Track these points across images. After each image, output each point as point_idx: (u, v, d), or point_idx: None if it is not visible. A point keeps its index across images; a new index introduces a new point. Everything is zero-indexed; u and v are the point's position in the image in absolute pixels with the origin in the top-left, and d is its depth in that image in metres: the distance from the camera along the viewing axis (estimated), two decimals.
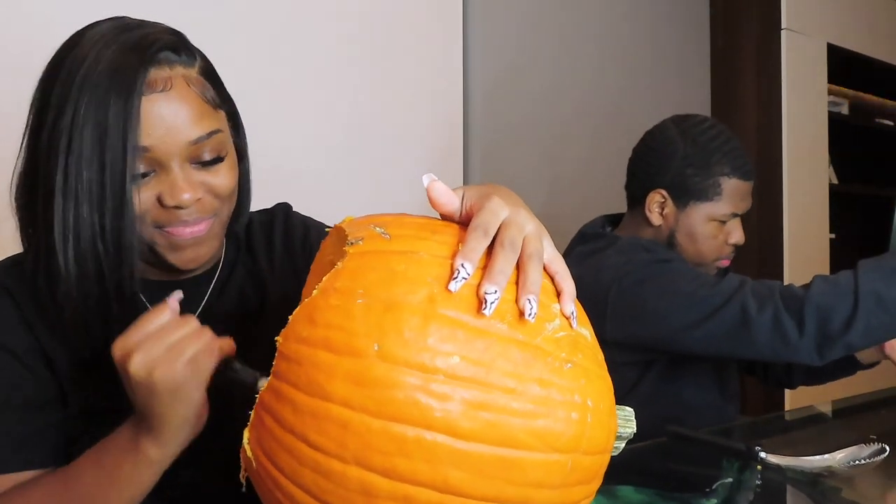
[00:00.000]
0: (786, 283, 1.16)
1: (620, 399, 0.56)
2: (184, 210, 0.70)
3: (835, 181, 3.28)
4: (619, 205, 1.48)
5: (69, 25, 0.72)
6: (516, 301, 0.50)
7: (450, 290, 0.48)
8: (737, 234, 1.36)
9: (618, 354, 1.23)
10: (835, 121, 3.16)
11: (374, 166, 2.02)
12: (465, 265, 0.49)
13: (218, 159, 0.72)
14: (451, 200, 0.56)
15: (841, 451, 0.91)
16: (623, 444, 0.57)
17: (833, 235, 3.12)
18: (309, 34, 1.90)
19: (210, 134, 0.70)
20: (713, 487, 0.88)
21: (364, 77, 1.99)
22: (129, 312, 0.67)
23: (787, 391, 2.73)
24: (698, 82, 3.03)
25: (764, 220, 2.89)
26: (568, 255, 1.39)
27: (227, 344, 0.66)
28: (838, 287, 1.09)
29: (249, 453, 0.51)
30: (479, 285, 0.49)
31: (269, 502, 0.53)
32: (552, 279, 0.55)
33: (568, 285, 0.54)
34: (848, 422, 1.37)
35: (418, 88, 2.10)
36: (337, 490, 0.47)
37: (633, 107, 2.68)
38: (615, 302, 1.24)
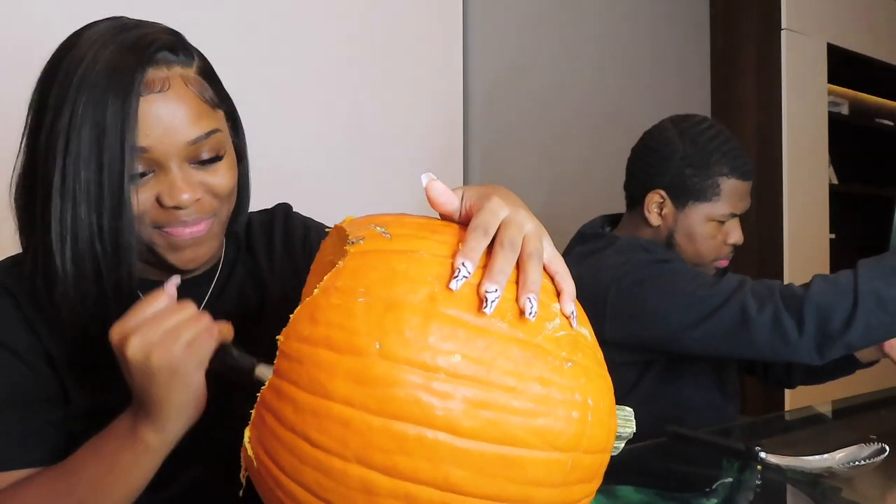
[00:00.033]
0: (786, 282, 1.16)
1: (620, 399, 0.56)
2: (183, 210, 0.70)
3: (835, 181, 3.28)
4: (620, 205, 1.48)
5: (69, 25, 0.72)
6: (517, 300, 0.50)
7: (450, 289, 0.48)
8: (735, 235, 1.36)
9: (617, 354, 1.23)
10: (835, 121, 3.17)
11: (374, 166, 2.02)
12: (465, 264, 0.49)
13: (216, 158, 0.72)
14: (450, 200, 0.56)
15: (841, 451, 0.91)
16: (623, 444, 0.57)
17: (833, 235, 3.12)
18: (309, 34, 1.90)
19: (208, 134, 0.70)
20: (713, 487, 0.88)
21: (364, 77, 1.99)
22: None
23: (787, 391, 2.73)
24: (698, 82, 3.03)
25: (764, 220, 2.89)
26: (567, 256, 1.39)
27: (226, 328, 0.66)
28: (838, 286, 1.09)
29: (250, 452, 0.51)
30: (479, 284, 0.49)
31: (269, 501, 0.53)
32: (552, 279, 0.55)
33: (568, 285, 0.54)
34: (848, 422, 1.37)
35: (418, 88, 2.10)
36: (338, 488, 0.47)
37: (633, 107, 2.68)
38: (614, 302, 1.24)
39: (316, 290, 0.50)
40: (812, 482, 0.89)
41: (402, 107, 2.07)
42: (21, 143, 0.71)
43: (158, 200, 0.70)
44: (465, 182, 2.23)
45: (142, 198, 0.69)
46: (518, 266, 0.52)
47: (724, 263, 1.39)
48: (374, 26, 2.01)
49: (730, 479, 0.92)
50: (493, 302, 0.48)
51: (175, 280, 0.68)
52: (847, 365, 1.32)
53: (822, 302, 1.08)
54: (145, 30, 0.70)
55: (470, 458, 0.47)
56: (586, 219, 1.49)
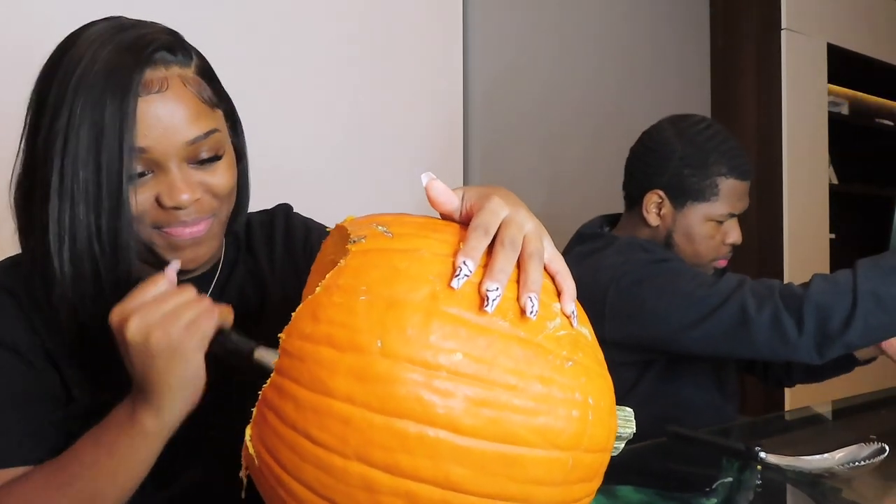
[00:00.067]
0: (785, 282, 1.16)
1: (619, 399, 0.57)
2: (182, 210, 0.70)
3: (835, 181, 3.28)
4: (620, 205, 1.48)
5: (69, 25, 0.72)
6: (517, 299, 0.50)
7: (452, 288, 0.49)
8: (734, 234, 1.36)
9: (616, 354, 1.23)
10: (835, 121, 3.17)
11: (374, 166, 2.02)
12: (466, 262, 0.49)
13: (216, 158, 0.72)
14: (450, 199, 0.56)
15: (841, 450, 0.91)
16: (623, 445, 0.57)
17: (833, 235, 3.12)
18: (309, 34, 1.90)
19: (207, 133, 0.70)
20: (713, 487, 0.88)
21: (364, 77, 1.99)
22: None
23: (787, 391, 2.73)
24: (698, 82, 3.03)
25: (764, 220, 2.90)
26: (566, 256, 1.39)
27: (227, 311, 0.66)
28: (837, 286, 1.09)
29: (251, 450, 0.52)
30: (480, 283, 0.49)
31: (270, 499, 0.53)
32: (553, 279, 0.55)
33: (568, 285, 0.55)
34: (848, 422, 1.37)
35: (418, 88, 2.10)
36: (338, 486, 0.47)
37: (633, 107, 2.68)
38: (613, 302, 1.24)
39: (318, 288, 0.50)
40: (812, 482, 0.89)
41: (402, 107, 2.07)
42: (20, 143, 0.71)
43: (158, 201, 0.70)
44: (465, 182, 2.23)
45: (141, 198, 0.69)
46: (519, 265, 0.52)
47: (722, 263, 1.39)
48: (374, 26, 2.01)
49: (730, 479, 0.92)
50: (494, 300, 0.48)
51: (175, 265, 0.68)
52: (846, 363, 1.32)
53: (821, 301, 1.08)
54: (143, 30, 0.70)
55: (471, 456, 0.47)
56: (586, 218, 1.49)
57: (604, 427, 0.53)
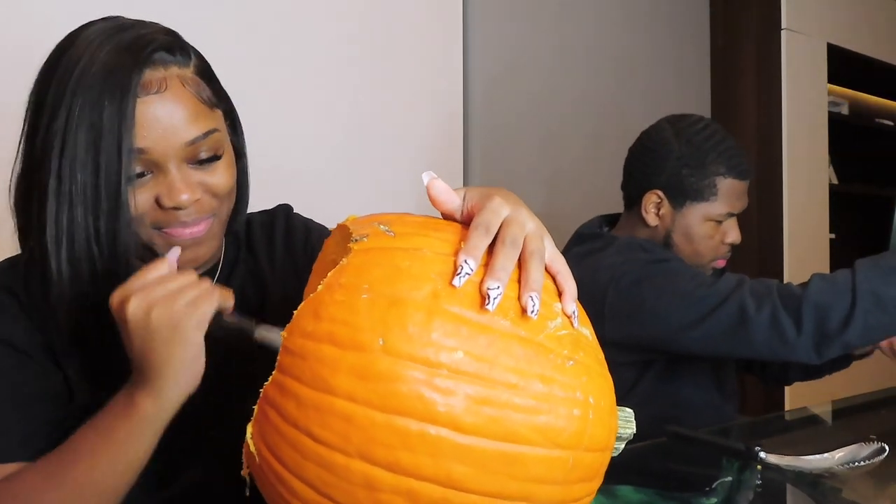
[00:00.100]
0: (785, 282, 1.16)
1: (619, 399, 0.57)
2: (182, 211, 0.70)
3: (835, 181, 3.28)
4: (619, 205, 1.48)
5: (69, 25, 0.72)
6: (518, 298, 0.50)
7: (453, 286, 0.49)
8: (733, 234, 1.36)
9: (616, 354, 1.22)
10: (835, 121, 3.17)
11: (374, 166, 2.02)
12: (468, 261, 0.49)
13: (215, 158, 0.72)
14: (451, 199, 0.56)
15: (840, 450, 0.91)
16: (623, 445, 0.57)
17: (833, 235, 3.12)
18: (309, 34, 1.90)
19: (207, 134, 0.70)
20: (713, 487, 0.88)
21: (364, 77, 1.99)
22: None
23: (786, 390, 2.74)
24: (698, 82, 3.03)
25: (764, 220, 2.90)
26: (565, 256, 1.39)
27: (227, 293, 0.66)
28: (836, 286, 1.09)
29: (253, 448, 0.52)
30: (481, 282, 0.50)
31: (271, 497, 0.53)
32: (554, 279, 0.55)
33: (570, 285, 0.55)
34: (848, 422, 1.37)
35: (418, 88, 2.10)
36: (340, 484, 0.47)
37: (633, 107, 2.68)
38: (613, 302, 1.24)
39: (320, 287, 0.51)
40: (812, 482, 0.89)
41: (402, 107, 2.07)
42: (19, 143, 0.71)
43: (157, 201, 0.70)
44: (466, 181, 2.23)
45: (140, 199, 0.69)
46: (520, 265, 0.52)
47: (721, 263, 1.39)
48: (374, 26, 2.01)
49: (730, 479, 0.92)
50: (495, 299, 0.49)
51: (176, 251, 0.68)
52: (842, 359, 1.32)
53: (820, 301, 1.09)
54: (142, 30, 0.70)
55: (472, 454, 0.47)
56: (585, 218, 1.49)
57: (604, 426, 0.53)
